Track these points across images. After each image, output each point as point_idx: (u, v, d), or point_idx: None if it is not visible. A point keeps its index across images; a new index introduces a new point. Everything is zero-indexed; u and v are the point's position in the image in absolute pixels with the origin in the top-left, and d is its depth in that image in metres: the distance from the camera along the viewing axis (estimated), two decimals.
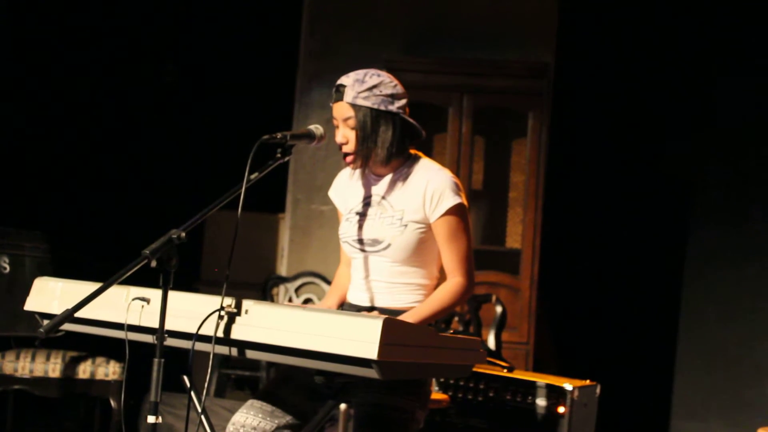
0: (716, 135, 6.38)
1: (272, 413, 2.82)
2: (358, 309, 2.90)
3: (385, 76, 2.85)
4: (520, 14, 6.17)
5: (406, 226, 2.84)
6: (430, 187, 2.84)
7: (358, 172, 2.96)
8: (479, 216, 6.01)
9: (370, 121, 2.82)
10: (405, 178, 2.89)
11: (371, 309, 2.88)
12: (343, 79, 2.85)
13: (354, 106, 2.82)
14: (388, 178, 2.92)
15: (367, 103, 2.81)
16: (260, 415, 2.81)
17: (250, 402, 2.86)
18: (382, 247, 2.86)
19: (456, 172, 5.72)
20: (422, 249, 2.87)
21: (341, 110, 2.84)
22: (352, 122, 2.83)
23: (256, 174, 2.66)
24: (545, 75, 5.81)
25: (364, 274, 2.91)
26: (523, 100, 5.80)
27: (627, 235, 6.47)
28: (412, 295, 2.89)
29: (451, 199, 2.83)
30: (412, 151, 2.94)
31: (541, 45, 6.09)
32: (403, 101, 2.86)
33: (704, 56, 6.32)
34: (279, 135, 2.73)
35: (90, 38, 6.45)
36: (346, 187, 3.05)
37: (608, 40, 6.39)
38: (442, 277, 2.92)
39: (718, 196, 6.40)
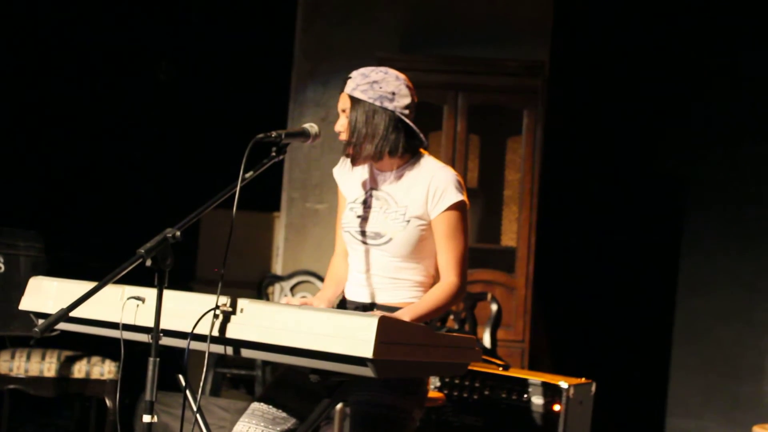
0: (712, 133, 6.38)
1: (273, 420, 2.81)
2: (357, 306, 2.89)
3: (391, 75, 2.86)
4: (515, 12, 6.17)
5: (408, 221, 2.84)
6: (434, 184, 2.84)
7: None
8: (474, 214, 6.01)
9: (363, 115, 2.82)
10: (410, 174, 2.89)
11: (372, 306, 2.88)
12: (354, 71, 2.88)
13: (352, 98, 2.84)
14: (393, 173, 2.92)
15: (364, 97, 2.82)
16: (262, 424, 2.79)
17: (251, 410, 2.84)
18: (383, 241, 2.86)
19: None
20: (422, 246, 2.86)
21: (343, 100, 2.87)
22: (348, 113, 2.85)
23: (251, 173, 2.66)
24: (540, 73, 5.81)
25: (363, 267, 2.91)
26: (518, 98, 5.80)
27: (622, 233, 6.48)
28: (410, 291, 2.88)
29: (454, 196, 2.83)
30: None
31: (536, 43, 6.10)
32: (405, 101, 2.85)
33: (701, 55, 6.32)
34: (274, 133, 2.73)
35: (86, 37, 6.44)
36: (351, 173, 3.03)
37: (603, 38, 6.39)
38: (437, 276, 2.92)
39: (713, 193, 6.40)
